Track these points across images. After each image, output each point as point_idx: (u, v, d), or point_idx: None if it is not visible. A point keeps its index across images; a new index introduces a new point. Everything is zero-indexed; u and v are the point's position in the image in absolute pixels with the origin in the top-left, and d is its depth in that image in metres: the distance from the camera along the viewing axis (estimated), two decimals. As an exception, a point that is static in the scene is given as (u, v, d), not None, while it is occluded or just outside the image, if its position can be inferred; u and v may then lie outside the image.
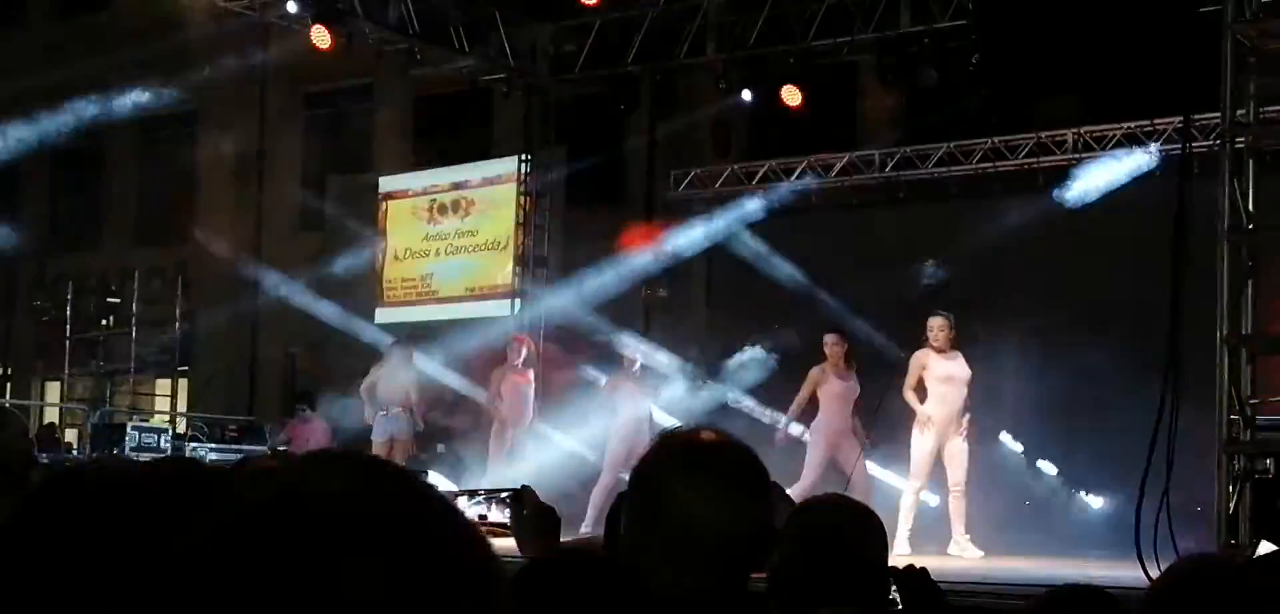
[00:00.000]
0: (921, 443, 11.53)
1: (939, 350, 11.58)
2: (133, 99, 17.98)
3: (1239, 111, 9.21)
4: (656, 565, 2.15)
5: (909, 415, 11.59)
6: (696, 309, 17.08)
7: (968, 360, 11.69)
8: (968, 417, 11.59)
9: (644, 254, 16.33)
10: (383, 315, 18.27)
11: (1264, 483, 8.30)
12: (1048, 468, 13.01)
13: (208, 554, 1.04)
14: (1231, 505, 8.17)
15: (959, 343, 11.69)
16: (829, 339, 12.27)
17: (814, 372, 12.18)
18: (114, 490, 1.50)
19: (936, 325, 11.59)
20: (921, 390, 11.57)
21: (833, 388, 12.08)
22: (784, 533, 2.78)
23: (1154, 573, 7.82)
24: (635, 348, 13.94)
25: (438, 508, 1.08)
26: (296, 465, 1.12)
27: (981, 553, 11.44)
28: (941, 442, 11.53)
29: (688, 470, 2.24)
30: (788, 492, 10.04)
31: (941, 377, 11.54)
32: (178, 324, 19.93)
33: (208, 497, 1.53)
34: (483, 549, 1.08)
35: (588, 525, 12.41)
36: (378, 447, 13.66)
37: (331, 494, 1.06)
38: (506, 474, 13.29)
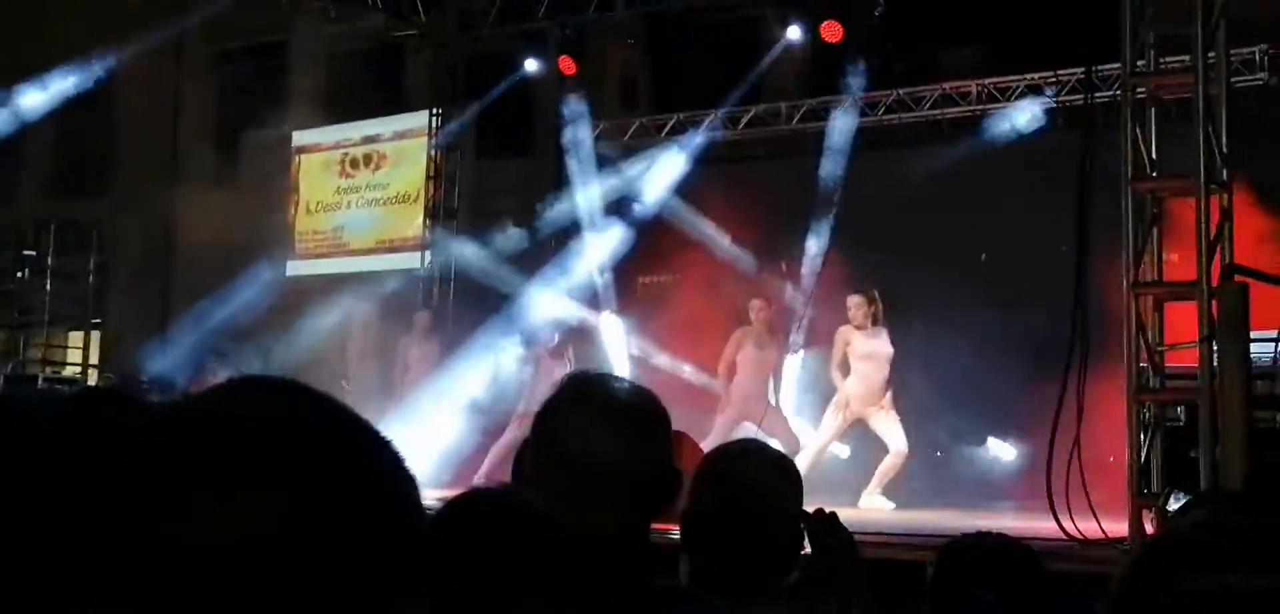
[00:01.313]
0: (832, 418, 11.05)
1: (860, 327, 11.04)
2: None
3: (1139, 61, 8.70)
4: (557, 505, 1.98)
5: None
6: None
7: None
8: (889, 393, 11.03)
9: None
10: (294, 268, 17.72)
11: (1176, 431, 7.81)
12: (958, 418, 12.42)
13: (115, 484, 0.99)
14: (1143, 455, 7.67)
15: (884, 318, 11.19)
16: (755, 303, 11.62)
17: (737, 333, 11.51)
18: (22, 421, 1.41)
19: (854, 304, 11.10)
20: (845, 366, 11.09)
21: (750, 353, 11.40)
22: (696, 480, 2.64)
23: (1067, 524, 7.36)
24: (557, 326, 13.31)
25: (353, 424, 1.04)
26: (207, 391, 1.06)
27: (892, 505, 10.93)
28: (861, 418, 11.01)
29: (589, 409, 2.14)
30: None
31: (863, 354, 11.02)
32: (92, 277, 19.47)
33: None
34: (397, 463, 1.03)
35: (481, 477, 11.75)
36: None
37: (240, 414, 1.01)
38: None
